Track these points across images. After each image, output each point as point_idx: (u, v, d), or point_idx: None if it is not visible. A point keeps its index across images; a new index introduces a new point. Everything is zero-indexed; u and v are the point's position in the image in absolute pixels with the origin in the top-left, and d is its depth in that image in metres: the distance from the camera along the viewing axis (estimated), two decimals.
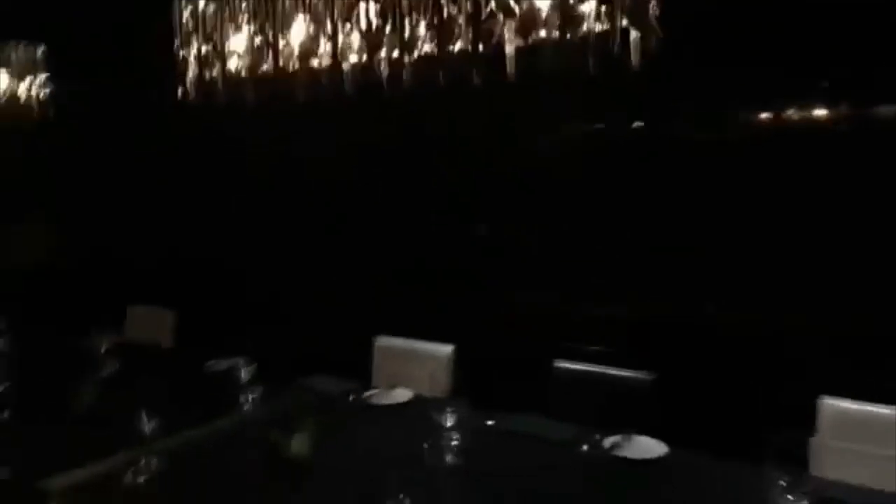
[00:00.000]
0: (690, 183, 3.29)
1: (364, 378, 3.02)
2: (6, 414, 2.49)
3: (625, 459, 2.08)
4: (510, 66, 1.66)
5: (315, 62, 1.91)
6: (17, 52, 2.60)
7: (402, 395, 2.69)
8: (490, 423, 2.40)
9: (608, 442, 2.17)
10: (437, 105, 3.24)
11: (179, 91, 1.96)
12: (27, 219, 5.68)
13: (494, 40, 1.67)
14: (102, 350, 3.08)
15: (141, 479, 1.95)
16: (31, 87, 2.62)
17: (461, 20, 1.75)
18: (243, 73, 2.00)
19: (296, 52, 1.94)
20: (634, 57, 1.41)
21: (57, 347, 3.37)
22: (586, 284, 3.53)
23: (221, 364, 3.00)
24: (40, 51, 2.64)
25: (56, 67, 2.67)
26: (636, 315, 3.39)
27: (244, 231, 4.73)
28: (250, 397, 2.57)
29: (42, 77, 2.65)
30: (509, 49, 1.62)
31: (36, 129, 2.98)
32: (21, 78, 2.60)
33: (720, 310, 3.26)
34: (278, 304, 4.51)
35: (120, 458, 1.98)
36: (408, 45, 1.81)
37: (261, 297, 4.59)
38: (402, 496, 1.64)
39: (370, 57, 1.88)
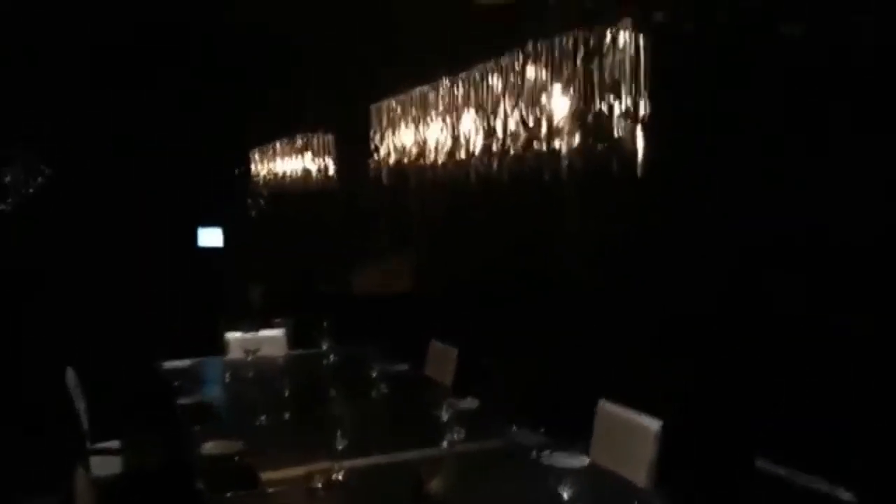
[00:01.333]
0: None
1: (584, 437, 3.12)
2: (286, 415, 3.28)
3: None
4: None
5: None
6: (316, 141, 3.55)
7: (577, 461, 2.76)
8: None
9: None
10: None
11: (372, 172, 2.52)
12: (395, 255, 7.02)
13: None
14: (374, 374, 3.81)
15: (320, 485, 2.48)
16: (323, 165, 3.56)
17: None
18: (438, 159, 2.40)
19: (478, 145, 2.25)
20: None
21: (355, 366, 4.17)
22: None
23: (456, 402, 3.41)
24: (330, 139, 3.56)
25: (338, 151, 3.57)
26: None
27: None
28: (448, 436, 2.97)
29: (329, 158, 3.57)
30: None
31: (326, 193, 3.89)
32: (316, 158, 3.57)
33: None
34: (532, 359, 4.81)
35: (311, 466, 2.54)
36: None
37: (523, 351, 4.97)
38: None
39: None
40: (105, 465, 3.57)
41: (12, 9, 5.18)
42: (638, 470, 2.88)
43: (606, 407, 3.25)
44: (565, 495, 2.17)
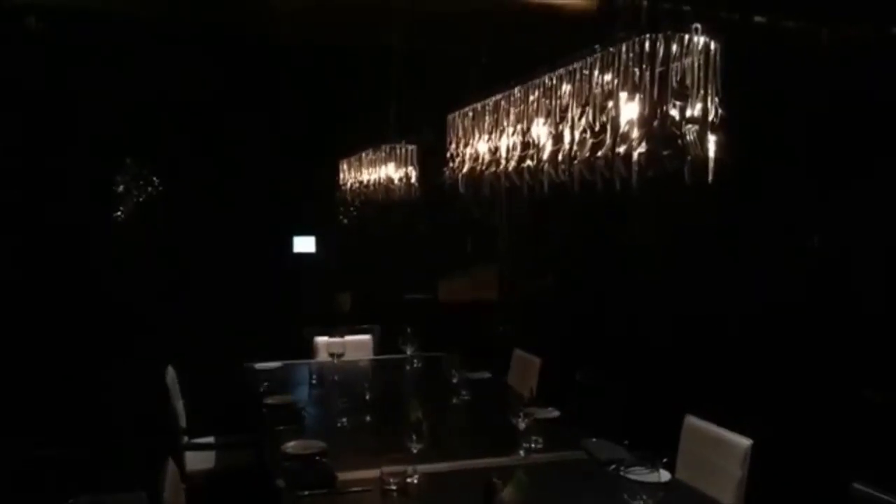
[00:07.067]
0: None
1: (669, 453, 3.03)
2: (367, 418, 3.36)
3: None
4: None
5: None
6: (399, 151, 3.64)
7: (658, 476, 2.67)
8: None
9: None
10: None
11: (447, 181, 2.55)
12: (484, 266, 7.06)
13: None
14: (454, 380, 3.83)
15: (394, 487, 2.52)
16: (405, 174, 3.64)
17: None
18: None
19: (546, 152, 2.26)
20: None
21: (437, 373, 4.21)
22: None
23: (534, 412, 3.38)
24: (412, 149, 3.63)
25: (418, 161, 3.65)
26: None
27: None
28: (525, 445, 2.95)
29: (412, 168, 3.65)
30: None
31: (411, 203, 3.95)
32: (399, 167, 3.66)
33: None
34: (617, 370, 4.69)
35: (387, 468, 2.58)
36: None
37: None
38: None
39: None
40: (200, 461, 3.75)
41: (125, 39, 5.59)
42: (725, 488, 2.77)
43: (693, 422, 3.14)
44: None
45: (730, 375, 4.00)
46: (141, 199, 6.08)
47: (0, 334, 5.36)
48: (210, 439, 3.96)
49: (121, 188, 6.07)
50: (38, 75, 5.55)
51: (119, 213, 6.07)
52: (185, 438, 3.84)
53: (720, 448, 2.90)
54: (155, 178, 6.13)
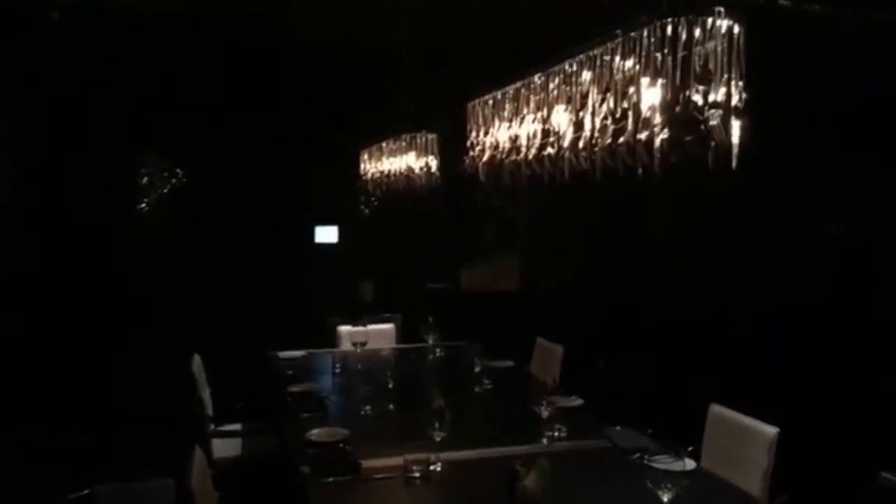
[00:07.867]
0: None
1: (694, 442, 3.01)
2: (390, 406, 3.38)
3: None
4: None
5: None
6: (419, 140, 3.64)
7: (683, 465, 2.66)
8: None
9: None
10: None
11: (467, 170, 2.54)
12: (505, 255, 7.05)
13: None
14: (477, 369, 3.84)
15: (418, 475, 2.54)
16: (426, 164, 3.64)
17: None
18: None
19: (567, 140, 2.24)
20: None
21: (460, 361, 4.23)
22: None
23: (556, 400, 3.38)
24: (433, 139, 3.64)
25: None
26: None
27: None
28: (548, 433, 2.95)
29: (432, 157, 3.65)
30: None
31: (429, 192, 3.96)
32: (420, 157, 3.66)
33: None
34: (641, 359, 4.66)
35: (411, 456, 2.59)
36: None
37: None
38: None
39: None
40: (226, 448, 3.80)
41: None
42: (751, 477, 2.75)
43: (718, 411, 3.12)
44: (665, 497, 2.10)
45: (753, 366, 3.96)
46: (165, 192, 6.14)
47: (28, 326, 5.46)
48: (237, 426, 4.01)
49: (145, 180, 6.13)
50: (61, 71, 5.62)
51: (143, 206, 6.14)
52: (212, 426, 3.89)
53: (746, 437, 2.87)
54: (179, 171, 6.19)
